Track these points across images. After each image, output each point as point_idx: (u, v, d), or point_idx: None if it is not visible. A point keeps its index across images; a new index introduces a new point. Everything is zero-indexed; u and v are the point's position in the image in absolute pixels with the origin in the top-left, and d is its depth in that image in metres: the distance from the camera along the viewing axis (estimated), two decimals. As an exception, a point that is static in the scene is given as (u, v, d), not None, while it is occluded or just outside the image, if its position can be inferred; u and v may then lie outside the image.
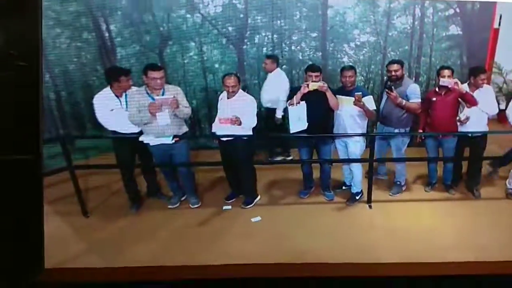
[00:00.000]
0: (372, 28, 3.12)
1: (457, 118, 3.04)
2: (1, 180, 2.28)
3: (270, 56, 3.32)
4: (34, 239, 2.39)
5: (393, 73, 2.94)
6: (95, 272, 2.41)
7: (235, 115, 2.85)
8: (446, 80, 2.89)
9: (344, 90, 3.00)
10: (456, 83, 2.90)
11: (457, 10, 3.16)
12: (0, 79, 2.30)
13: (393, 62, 2.97)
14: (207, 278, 2.34)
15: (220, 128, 2.96)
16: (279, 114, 3.39)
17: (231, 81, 2.85)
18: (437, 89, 3.02)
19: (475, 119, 3.02)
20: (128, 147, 2.94)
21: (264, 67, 3.32)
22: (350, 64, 3.14)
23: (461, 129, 3.04)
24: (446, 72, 2.92)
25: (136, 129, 2.90)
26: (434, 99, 3.01)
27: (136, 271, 2.38)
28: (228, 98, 2.91)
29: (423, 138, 3.16)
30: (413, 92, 2.94)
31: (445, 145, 3.13)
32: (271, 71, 3.31)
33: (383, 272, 2.34)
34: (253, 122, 2.91)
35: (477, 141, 3.08)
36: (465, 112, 3.02)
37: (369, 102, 2.98)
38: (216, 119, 2.96)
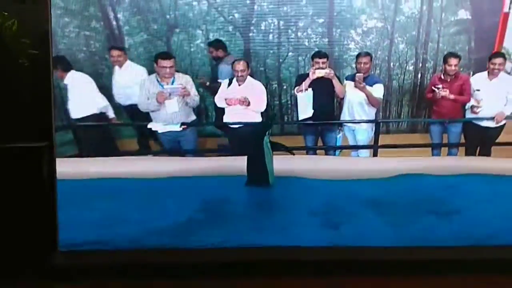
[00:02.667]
0: (380, 13, 3.21)
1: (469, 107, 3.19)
2: (16, 166, 2.48)
3: (118, 47, 3.14)
4: (48, 223, 2.59)
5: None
6: (112, 255, 2.60)
7: (244, 96, 3.06)
8: None
9: None
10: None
11: (467, -7, 3.25)
12: (14, 67, 2.49)
13: None
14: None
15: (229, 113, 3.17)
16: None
17: (240, 65, 3.05)
18: (442, 76, 3.15)
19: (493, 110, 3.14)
20: None
21: (112, 61, 3.15)
22: (367, 50, 3.20)
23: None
24: (453, 61, 3.05)
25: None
26: (440, 86, 3.14)
27: (154, 253, 2.57)
28: (239, 85, 3.12)
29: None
30: None
31: (452, 130, 3.24)
32: (121, 65, 3.16)
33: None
34: (263, 106, 3.12)
35: (491, 131, 3.20)
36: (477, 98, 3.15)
37: (378, 89, 3.13)
38: (220, 103, 3.18)
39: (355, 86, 3.10)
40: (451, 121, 3.21)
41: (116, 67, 3.16)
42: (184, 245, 2.62)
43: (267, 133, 2.96)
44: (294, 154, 3.07)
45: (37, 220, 2.54)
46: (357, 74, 3.07)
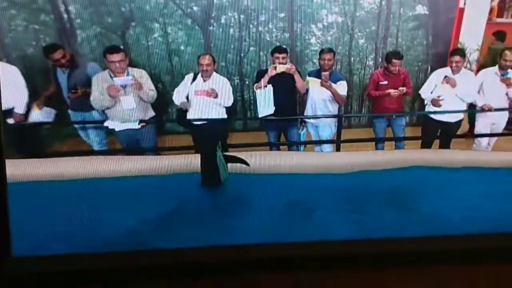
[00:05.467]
0: (340, 8, 3.38)
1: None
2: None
3: None
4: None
5: None
6: (70, 259, 2.61)
7: (211, 87, 3.11)
8: None
9: (320, 73, 3.29)
10: None
11: (424, -12, 3.46)
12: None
13: None
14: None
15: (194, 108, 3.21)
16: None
17: (205, 60, 3.09)
18: (386, 72, 3.38)
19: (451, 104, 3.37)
20: None
21: None
22: (330, 47, 3.33)
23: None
24: (397, 62, 3.26)
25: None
26: (385, 82, 3.37)
27: (116, 256, 2.60)
28: (204, 80, 3.16)
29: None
30: None
31: (398, 123, 3.49)
32: None
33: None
34: (230, 100, 3.18)
35: (451, 125, 3.44)
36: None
37: (342, 87, 3.29)
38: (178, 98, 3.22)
39: (322, 85, 3.23)
40: (411, 114, 3.46)
41: None
42: (146, 246, 2.67)
43: (217, 147, 3.01)
44: (249, 165, 3.14)
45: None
46: (323, 73, 3.18)
